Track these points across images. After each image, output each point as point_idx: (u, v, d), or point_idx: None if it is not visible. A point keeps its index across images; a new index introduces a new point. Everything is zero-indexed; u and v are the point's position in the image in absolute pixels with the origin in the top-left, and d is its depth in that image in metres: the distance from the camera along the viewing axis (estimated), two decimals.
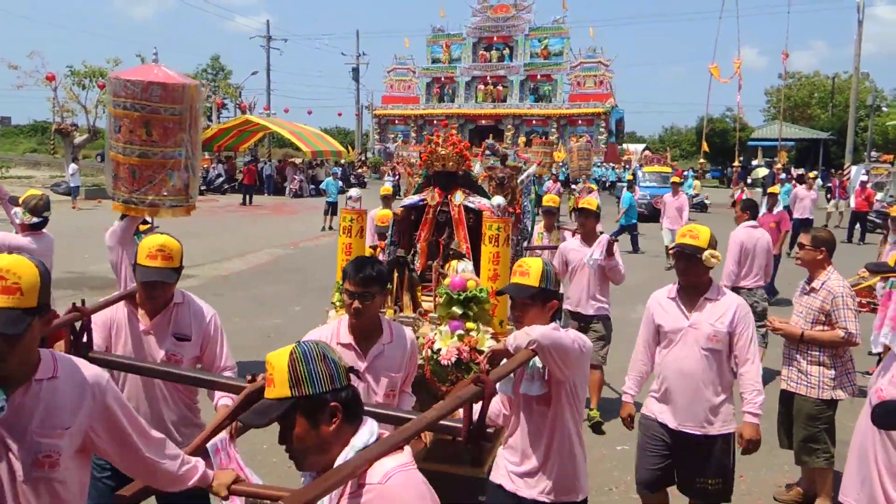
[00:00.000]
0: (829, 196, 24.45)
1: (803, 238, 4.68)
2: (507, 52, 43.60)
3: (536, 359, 2.79)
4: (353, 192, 6.66)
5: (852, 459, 2.98)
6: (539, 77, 42.96)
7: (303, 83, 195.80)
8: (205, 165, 31.79)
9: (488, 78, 43.64)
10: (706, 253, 3.60)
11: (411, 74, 45.99)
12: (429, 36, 45.51)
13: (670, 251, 3.86)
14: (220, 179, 31.20)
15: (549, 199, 8.26)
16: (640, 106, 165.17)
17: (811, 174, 18.71)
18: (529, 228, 5.30)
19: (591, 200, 6.33)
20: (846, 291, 4.43)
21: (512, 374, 2.84)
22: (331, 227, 18.31)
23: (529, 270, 2.98)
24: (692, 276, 3.71)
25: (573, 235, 6.64)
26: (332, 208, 19.29)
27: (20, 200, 5.80)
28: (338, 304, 4.03)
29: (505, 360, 2.84)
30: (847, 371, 4.50)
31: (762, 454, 5.57)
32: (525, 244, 5.43)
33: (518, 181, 5.24)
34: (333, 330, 3.11)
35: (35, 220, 5.70)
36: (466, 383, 2.37)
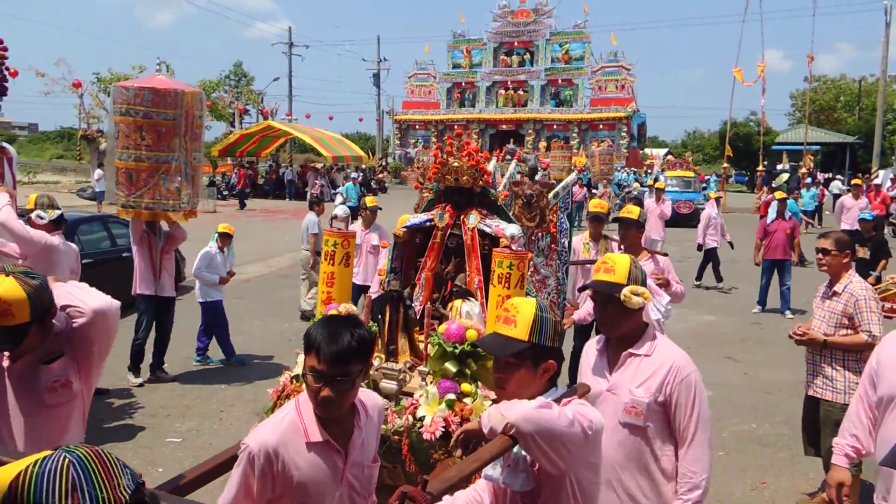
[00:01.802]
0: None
1: (825, 243, 4.57)
2: (527, 56, 43.54)
3: None
4: (339, 210, 5.75)
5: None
6: (560, 82, 42.82)
7: (324, 89, 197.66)
8: (224, 170, 32.19)
9: (509, 83, 43.59)
10: (626, 290, 2.65)
11: (432, 80, 46.08)
12: (449, 41, 45.59)
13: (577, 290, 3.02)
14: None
15: (596, 204, 7.04)
16: (663, 110, 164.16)
17: (857, 180, 17.24)
18: (568, 247, 4.56)
19: (631, 209, 5.59)
20: (869, 294, 4.36)
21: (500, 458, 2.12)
22: None
23: (517, 317, 2.17)
24: (612, 324, 2.75)
25: (619, 248, 5.95)
26: (352, 213, 19.47)
27: (32, 205, 5.89)
28: None
29: (485, 444, 2.15)
30: None
31: (785, 461, 5.50)
32: (565, 266, 4.67)
33: (552, 195, 4.46)
34: (294, 425, 2.09)
35: (58, 211, 5.85)
36: (393, 500, 1.76)
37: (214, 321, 7.70)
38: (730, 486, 5.09)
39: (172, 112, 6.48)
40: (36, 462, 1.08)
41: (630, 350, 2.74)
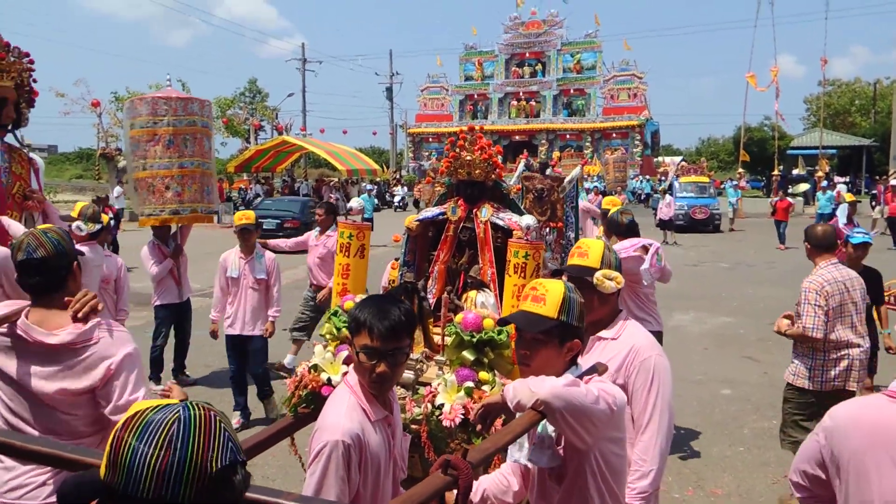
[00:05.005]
0: (873, 203, 24.21)
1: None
2: (539, 67, 43.73)
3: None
4: (354, 202, 5.63)
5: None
6: (572, 91, 42.95)
7: (338, 104, 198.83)
8: (242, 186, 32.54)
9: (521, 94, 43.77)
10: (598, 274, 2.67)
11: (444, 92, 46.37)
12: (461, 54, 45.91)
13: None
14: (259, 199, 31.80)
15: (609, 202, 7.27)
16: (676, 118, 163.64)
17: None
18: (574, 241, 4.54)
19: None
20: (810, 286, 4.44)
21: (525, 437, 2.14)
22: None
23: (546, 296, 2.22)
24: (586, 309, 2.60)
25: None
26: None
27: (76, 214, 5.99)
28: (328, 336, 3.22)
29: (503, 420, 2.19)
30: (826, 368, 4.48)
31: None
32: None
33: (559, 189, 4.45)
34: (357, 407, 2.12)
35: (98, 226, 5.95)
36: (435, 468, 1.77)
37: None
38: (751, 480, 5.09)
39: (208, 121, 7.16)
40: (154, 408, 1.13)
41: (598, 334, 2.73)
